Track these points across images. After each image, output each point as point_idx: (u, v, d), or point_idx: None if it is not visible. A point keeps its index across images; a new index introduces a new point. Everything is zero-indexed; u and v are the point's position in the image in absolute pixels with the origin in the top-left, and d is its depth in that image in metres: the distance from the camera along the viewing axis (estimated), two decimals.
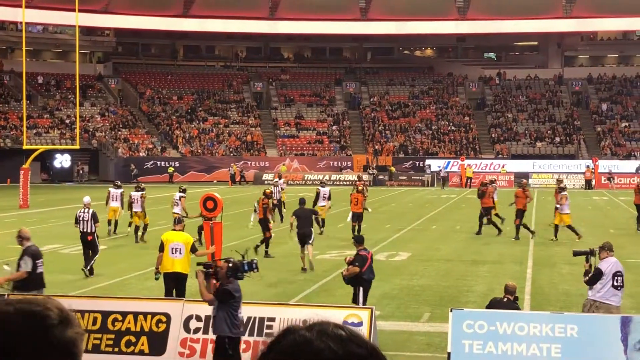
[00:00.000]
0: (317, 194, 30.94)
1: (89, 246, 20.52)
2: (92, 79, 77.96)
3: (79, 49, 50.46)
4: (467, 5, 77.46)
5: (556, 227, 28.49)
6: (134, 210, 27.51)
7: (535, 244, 26.89)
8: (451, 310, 11.93)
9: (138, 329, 12.26)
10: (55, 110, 72.06)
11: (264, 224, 23.95)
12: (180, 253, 15.17)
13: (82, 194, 28.24)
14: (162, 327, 12.28)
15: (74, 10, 45.96)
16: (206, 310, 12.27)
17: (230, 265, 10.99)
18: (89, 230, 20.62)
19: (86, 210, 20.93)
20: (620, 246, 26.34)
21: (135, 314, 12.35)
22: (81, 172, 66.44)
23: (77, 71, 46.41)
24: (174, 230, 15.88)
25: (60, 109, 72.36)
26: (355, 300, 14.05)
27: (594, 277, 12.57)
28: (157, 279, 15.81)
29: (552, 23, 76.52)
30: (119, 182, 31.24)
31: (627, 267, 22.05)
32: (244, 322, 11.88)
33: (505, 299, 12.34)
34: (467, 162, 64.43)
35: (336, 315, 11.72)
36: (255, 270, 11.39)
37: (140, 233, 27.14)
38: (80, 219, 20.79)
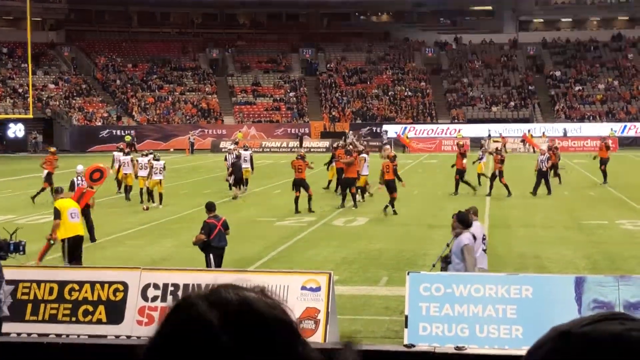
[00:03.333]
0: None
1: (86, 214, 20.41)
2: (45, 47, 76.66)
3: (31, 16, 49.69)
4: None
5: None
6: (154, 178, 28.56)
7: (491, 207, 27.15)
8: (408, 274, 12.03)
9: (95, 298, 12.19)
10: (7, 79, 70.84)
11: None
12: (77, 217, 16.45)
13: (37, 164, 27.86)
14: (120, 295, 12.22)
15: None
16: (164, 278, 12.25)
17: None
18: None
19: (80, 177, 21.32)
20: (575, 209, 26.77)
21: (92, 283, 12.27)
22: (33, 141, 65.29)
23: (29, 39, 45.69)
24: (62, 198, 16.94)
25: (13, 78, 71.13)
26: (207, 265, 14.53)
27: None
28: (52, 244, 16.47)
29: None
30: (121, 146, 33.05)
31: (580, 228, 22.49)
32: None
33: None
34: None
35: (295, 281, 11.77)
36: (22, 252, 11.33)
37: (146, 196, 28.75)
38: (78, 185, 20.97)
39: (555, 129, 65.97)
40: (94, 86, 73.70)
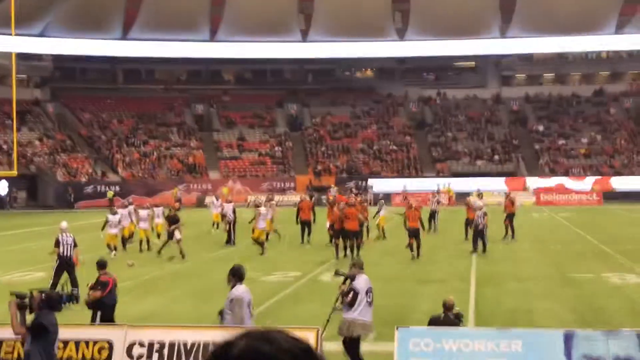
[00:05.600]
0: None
1: (70, 269, 20.37)
2: (30, 104, 76.71)
3: (16, 74, 49.77)
4: (406, 27, 78.28)
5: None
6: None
7: (478, 262, 27.09)
8: (397, 329, 11.93)
9: (80, 357, 12.01)
10: None
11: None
12: None
13: (18, 222, 27.69)
14: (105, 354, 12.05)
15: (10, 34, 45.31)
16: (150, 335, 12.09)
17: (44, 296, 10.17)
18: (69, 254, 20.67)
19: (65, 234, 21.01)
20: (561, 262, 26.74)
21: (77, 342, 12.10)
22: (9, 198, 64.66)
23: (14, 96, 45.69)
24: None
25: None
26: (93, 321, 14.31)
27: (354, 297, 12.70)
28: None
29: (488, 43, 77.76)
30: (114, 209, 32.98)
31: (568, 282, 22.43)
32: (190, 348, 11.71)
33: (443, 315, 12.55)
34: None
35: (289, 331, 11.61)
36: (75, 302, 11.15)
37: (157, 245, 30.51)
38: (64, 242, 20.78)
39: (537, 182, 66.29)
40: (78, 142, 73.66)
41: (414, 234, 28.43)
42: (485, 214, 29.19)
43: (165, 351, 11.94)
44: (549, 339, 11.81)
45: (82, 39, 74.98)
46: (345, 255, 28.13)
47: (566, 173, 69.17)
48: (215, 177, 70.66)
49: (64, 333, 12.49)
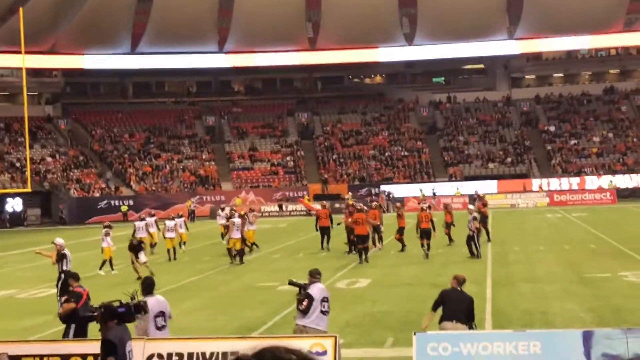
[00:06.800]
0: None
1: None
2: (42, 121, 77.10)
3: (27, 91, 50.01)
4: (414, 32, 78.28)
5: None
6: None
7: (493, 264, 27.03)
8: (415, 334, 11.91)
9: None
10: (4, 153, 71.08)
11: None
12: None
13: (32, 239, 27.83)
14: None
15: (20, 52, 45.52)
16: (168, 348, 12.11)
17: (103, 310, 9.73)
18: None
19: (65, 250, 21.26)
20: (577, 262, 26.64)
21: (96, 356, 12.12)
22: (24, 215, 65.02)
23: (26, 114, 45.88)
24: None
25: (10, 152, 71.40)
26: (65, 336, 14.12)
27: (309, 304, 12.66)
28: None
29: (497, 45, 77.67)
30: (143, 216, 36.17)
31: (584, 282, 22.34)
32: (209, 358, 11.73)
33: (451, 289, 13.01)
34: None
35: (300, 345, 11.61)
36: (145, 312, 10.94)
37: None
38: (68, 258, 21.06)
39: (552, 183, 66.31)
40: (90, 157, 73.94)
41: (425, 234, 29.76)
42: (475, 218, 29.05)
43: None
44: (567, 339, 11.76)
45: (91, 54, 75.30)
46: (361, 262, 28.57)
47: (579, 173, 68.95)
48: (228, 189, 70.75)
49: (79, 347, 12.54)
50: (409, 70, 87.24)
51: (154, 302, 12.07)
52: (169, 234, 33.26)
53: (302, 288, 12.91)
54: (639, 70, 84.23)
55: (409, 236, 32.31)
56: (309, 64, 79.89)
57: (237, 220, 30.90)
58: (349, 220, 31.09)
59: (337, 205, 63.16)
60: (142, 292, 12.17)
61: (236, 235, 30.34)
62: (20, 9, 47.01)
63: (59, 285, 19.89)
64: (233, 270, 28.43)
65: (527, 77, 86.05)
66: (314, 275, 13.04)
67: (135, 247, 27.38)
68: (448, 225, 33.60)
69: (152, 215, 35.93)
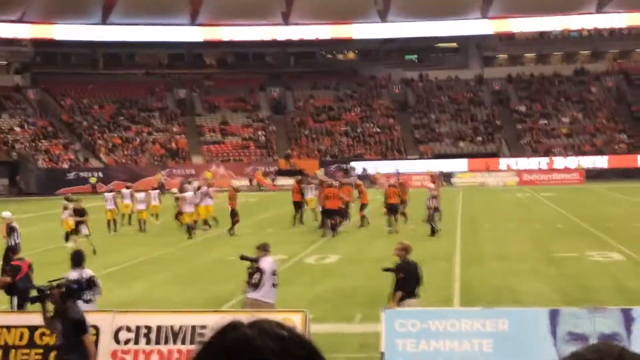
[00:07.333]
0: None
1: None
2: (10, 90, 76.18)
3: None
4: (387, 8, 78.12)
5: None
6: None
7: (462, 241, 27.21)
8: (383, 310, 11.97)
9: None
10: None
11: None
12: None
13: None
14: (92, 339, 12.00)
15: None
16: (137, 320, 12.08)
17: (63, 289, 9.47)
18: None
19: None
20: (545, 241, 26.89)
21: (32, 329, 12.05)
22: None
23: None
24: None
25: None
26: (12, 309, 14.17)
27: (260, 278, 12.76)
28: None
29: (470, 24, 77.75)
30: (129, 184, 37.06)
31: (552, 261, 22.55)
32: (177, 331, 11.72)
33: (403, 260, 13.11)
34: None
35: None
36: (96, 288, 10.83)
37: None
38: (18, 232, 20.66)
39: (520, 163, 66.75)
40: (60, 128, 73.23)
41: (393, 210, 30.28)
42: (433, 197, 29.00)
43: (153, 335, 11.94)
44: (534, 317, 11.88)
45: (62, 24, 74.37)
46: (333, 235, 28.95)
47: (548, 153, 69.45)
48: (198, 162, 70.47)
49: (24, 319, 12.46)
50: (382, 47, 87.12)
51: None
52: (139, 206, 33.62)
53: (254, 262, 13.02)
54: (610, 52, 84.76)
55: (378, 212, 32.42)
56: (282, 39, 79.53)
57: (189, 194, 31.20)
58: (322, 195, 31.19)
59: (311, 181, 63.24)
60: (71, 264, 12.17)
61: (188, 209, 30.68)
62: None
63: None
64: (204, 244, 28.39)
65: (499, 56, 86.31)
66: (265, 249, 13.12)
67: (79, 214, 26.85)
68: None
69: (128, 188, 35.87)
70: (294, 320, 11.74)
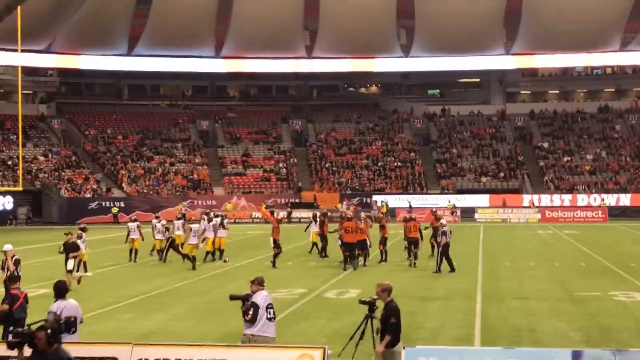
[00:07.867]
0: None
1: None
2: (35, 120, 76.95)
3: (22, 90, 49.93)
4: (410, 44, 78.35)
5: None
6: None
7: (483, 278, 27.00)
8: (404, 348, 11.86)
9: None
10: None
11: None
12: None
13: (21, 238, 27.67)
14: None
15: (16, 50, 45.45)
16: (156, 353, 12.03)
17: (49, 331, 8.58)
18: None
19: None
20: (567, 280, 26.62)
21: (82, 359, 12.03)
22: (14, 214, 64.69)
23: (20, 112, 45.80)
24: None
25: (2, 150, 71.20)
26: (4, 338, 13.86)
27: (255, 313, 12.68)
28: None
29: (493, 60, 77.72)
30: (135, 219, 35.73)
31: (573, 300, 22.31)
32: None
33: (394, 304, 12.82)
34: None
35: (287, 356, 11.57)
36: (73, 330, 10.40)
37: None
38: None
39: (543, 199, 66.43)
40: (83, 158, 73.76)
41: (413, 243, 30.59)
42: (443, 233, 28.46)
43: None
44: (556, 358, 11.72)
45: (87, 54, 75.13)
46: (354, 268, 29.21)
47: (571, 190, 69.07)
48: (220, 193, 70.64)
49: (69, 350, 12.44)
50: (405, 81, 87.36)
51: (66, 305, 11.97)
52: (158, 236, 33.52)
53: (245, 300, 12.96)
54: (634, 90, 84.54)
55: (397, 247, 32.28)
56: (305, 71, 79.90)
57: (194, 226, 31.62)
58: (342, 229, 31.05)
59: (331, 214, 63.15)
60: (54, 295, 12.14)
61: (193, 241, 31.06)
62: (18, 7, 46.95)
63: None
64: (223, 276, 28.35)
65: (522, 92, 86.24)
66: (259, 284, 13.10)
67: (67, 250, 26.01)
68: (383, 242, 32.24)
69: (157, 218, 35.26)
70: (314, 355, 11.66)
